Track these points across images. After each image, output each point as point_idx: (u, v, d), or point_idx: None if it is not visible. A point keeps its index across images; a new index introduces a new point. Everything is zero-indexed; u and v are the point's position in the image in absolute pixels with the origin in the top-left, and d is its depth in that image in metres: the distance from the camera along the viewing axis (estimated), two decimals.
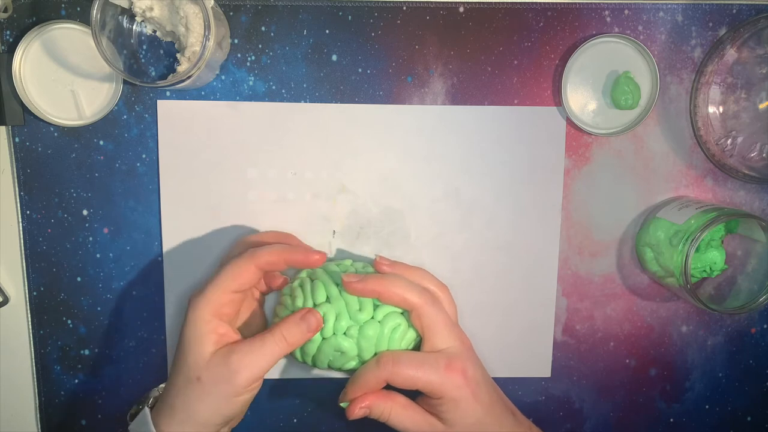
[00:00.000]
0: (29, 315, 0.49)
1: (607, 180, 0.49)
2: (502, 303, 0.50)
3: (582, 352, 0.51)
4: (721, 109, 0.48)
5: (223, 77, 0.47)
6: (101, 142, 0.47)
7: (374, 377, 0.40)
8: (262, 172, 0.48)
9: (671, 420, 0.53)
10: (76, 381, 0.50)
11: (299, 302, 0.42)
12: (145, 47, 0.46)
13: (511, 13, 0.47)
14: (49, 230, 0.48)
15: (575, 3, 0.47)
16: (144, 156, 0.47)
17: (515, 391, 0.52)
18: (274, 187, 0.48)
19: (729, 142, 0.48)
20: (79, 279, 0.48)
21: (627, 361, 0.52)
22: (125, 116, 0.47)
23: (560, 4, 0.47)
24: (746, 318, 0.52)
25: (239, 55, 0.47)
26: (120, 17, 0.44)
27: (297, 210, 0.48)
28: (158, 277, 0.49)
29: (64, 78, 0.45)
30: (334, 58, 0.47)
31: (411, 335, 0.42)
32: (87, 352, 0.49)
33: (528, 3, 0.47)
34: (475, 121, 0.48)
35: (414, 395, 0.42)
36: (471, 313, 0.50)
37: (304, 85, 0.47)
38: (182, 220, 0.48)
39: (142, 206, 0.48)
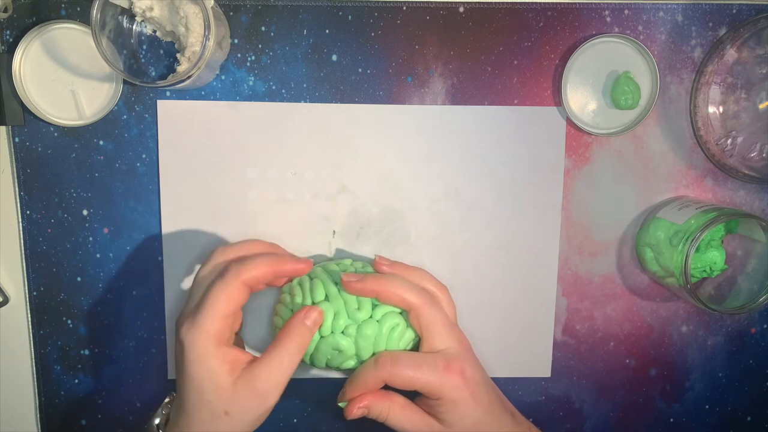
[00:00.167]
0: (29, 315, 0.49)
1: (607, 180, 0.49)
2: (502, 303, 0.50)
3: (582, 352, 0.51)
4: (721, 109, 0.48)
5: (223, 77, 0.47)
6: (101, 142, 0.47)
7: (372, 377, 0.40)
8: (262, 172, 0.48)
9: (671, 420, 0.53)
10: (76, 381, 0.50)
11: (298, 300, 0.42)
12: (145, 47, 0.46)
13: (511, 13, 0.47)
14: (49, 230, 0.48)
15: (575, 3, 0.47)
16: (144, 156, 0.47)
17: (515, 391, 0.52)
18: (274, 187, 0.48)
19: (729, 142, 0.48)
20: (79, 279, 0.48)
21: (627, 361, 0.52)
22: (125, 116, 0.47)
23: (560, 4, 0.47)
24: (746, 318, 0.52)
25: (239, 55, 0.47)
26: (120, 17, 0.44)
27: (297, 210, 0.48)
28: (158, 277, 0.49)
29: (64, 78, 0.45)
30: (334, 58, 0.47)
31: (409, 335, 0.42)
32: (87, 352, 0.49)
33: (528, 3, 0.47)
34: (475, 121, 0.48)
35: (413, 395, 0.42)
36: (471, 313, 0.50)
37: (304, 85, 0.47)
38: (182, 220, 0.48)
39: (142, 206, 0.48)
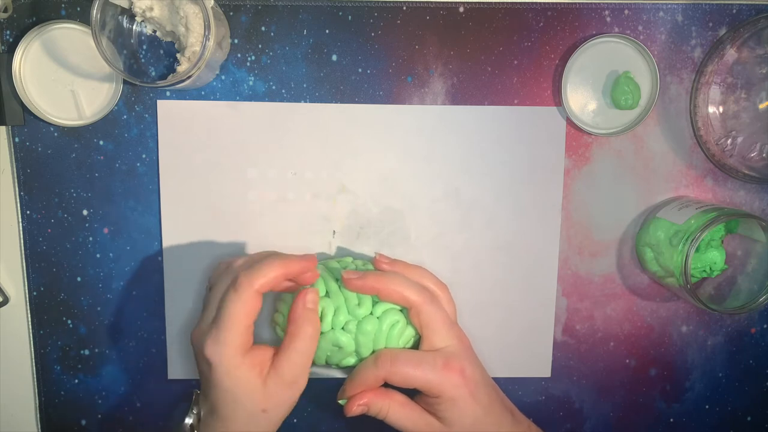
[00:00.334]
0: (29, 315, 0.49)
1: (607, 180, 0.49)
2: (502, 303, 0.50)
3: (582, 352, 0.51)
4: (721, 109, 0.48)
5: (223, 77, 0.47)
6: (101, 142, 0.47)
7: (372, 375, 0.40)
8: (262, 172, 0.48)
9: (671, 420, 0.53)
10: (76, 381, 0.50)
11: None
12: (145, 47, 0.46)
13: (511, 13, 0.47)
14: (49, 230, 0.48)
15: (575, 3, 0.47)
16: (144, 156, 0.47)
17: (515, 391, 0.52)
18: (274, 187, 0.48)
19: (729, 142, 0.48)
20: (79, 279, 0.48)
21: (627, 361, 0.52)
22: (125, 116, 0.47)
23: (560, 4, 0.47)
24: (746, 318, 0.52)
25: (239, 55, 0.47)
26: (120, 17, 0.44)
27: (297, 210, 0.48)
28: (158, 277, 0.49)
29: (64, 78, 0.45)
30: (334, 58, 0.47)
31: (409, 333, 0.42)
32: (87, 352, 0.49)
33: (528, 3, 0.47)
34: (475, 121, 0.48)
35: (412, 394, 0.42)
36: (471, 313, 0.50)
37: (304, 85, 0.47)
38: (182, 220, 0.48)
39: (142, 206, 0.48)
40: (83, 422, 0.50)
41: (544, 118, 0.48)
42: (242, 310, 0.38)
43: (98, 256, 0.48)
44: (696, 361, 0.52)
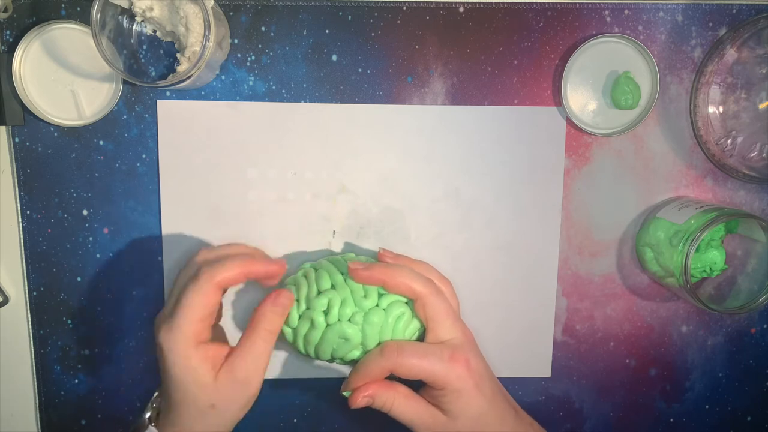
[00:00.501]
0: (29, 315, 0.49)
1: (607, 180, 0.49)
2: (502, 303, 0.50)
3: (582, 352, 0.51)
4: (721, 109, 0.48)
5: (223, 77, 0.47)
6: (101, 142, 0.47)
7: (378, 366, 0.40)
8: (262, 172, 0.48)
9: (671, 420, 0.53)
10: (76, 381, 0.50)
11: (304, 290, 0.42)
12: (145, 47, 0.46)
13: (511, 13, 0.47)
14: (49, 230, 0.48)
15: (575, 3, 0.47)
16: (144, 156, 0.47)
17: (515, 391, 0.52)
18: (274, 187, 0.48)
19: (729, 142, 0.48)
20: (79, 279, 0.48)
21: (627, 361, 0.52)
22: (125, 116, 0.47)
23: (560, 4, 0.47)
24: (746, 318, 0.52)
25: (239, 55, 0.47)
26: (120, 17, 0.44)
27: (297, 210, 0.48)
28: (158, 277, 0.49)
29: (64, 78, 0.45)
30: (334, 58, 0.47)
31: (415, 325, 0.42)
32: (87, 352, 0.49)
33: (528, 3, 0.47)
34: (475, 121, 0.48)
35: (416, 387, 0.42)
36: (471, 313, 0.50)
37: (304, 85, 0.47)
38: (182, 220, 0.48)
39: (142, 206, 0.48)
40: (83, 422, 0.50)
41: (544, 118, 0.48)
42: (199, 301, 0.39)
43: (98, 256, 0.48)
44: (696, 361, 0.52)
